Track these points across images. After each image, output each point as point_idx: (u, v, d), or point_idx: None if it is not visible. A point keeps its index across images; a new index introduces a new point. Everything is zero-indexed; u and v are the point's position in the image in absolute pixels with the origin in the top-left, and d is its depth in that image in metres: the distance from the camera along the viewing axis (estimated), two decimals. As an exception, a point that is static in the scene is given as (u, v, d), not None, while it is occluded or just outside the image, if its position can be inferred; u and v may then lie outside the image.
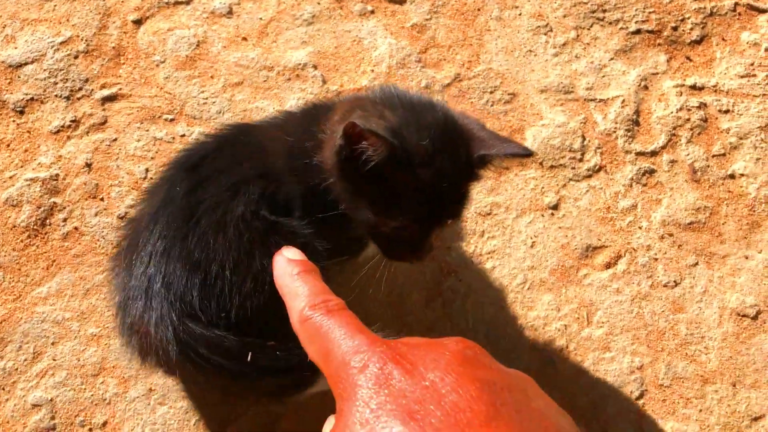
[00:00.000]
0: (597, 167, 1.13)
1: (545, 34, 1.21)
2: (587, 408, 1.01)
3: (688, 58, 1.22)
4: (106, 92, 1.08)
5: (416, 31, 1.18)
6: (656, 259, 1.09)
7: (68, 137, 1.05)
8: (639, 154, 1.15)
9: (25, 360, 0.95)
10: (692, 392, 1.03)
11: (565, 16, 1.22)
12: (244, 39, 1.14)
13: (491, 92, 1.16)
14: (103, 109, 1.08)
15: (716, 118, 1.18)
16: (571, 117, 1.15)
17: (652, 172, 1.14)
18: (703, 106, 1.18)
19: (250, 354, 0.70)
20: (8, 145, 1.04)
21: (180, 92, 1.09)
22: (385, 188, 0.72)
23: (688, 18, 1.24)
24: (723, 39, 1.24)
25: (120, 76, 1.10)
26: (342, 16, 1.17)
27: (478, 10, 1.21)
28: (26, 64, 1.08)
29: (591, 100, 1.17)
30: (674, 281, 1.08)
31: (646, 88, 1.19)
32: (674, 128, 1.17)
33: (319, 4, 1.18)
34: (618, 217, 1.11)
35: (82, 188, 1.03)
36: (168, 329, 0.71)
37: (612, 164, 1.14)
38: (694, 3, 1.25)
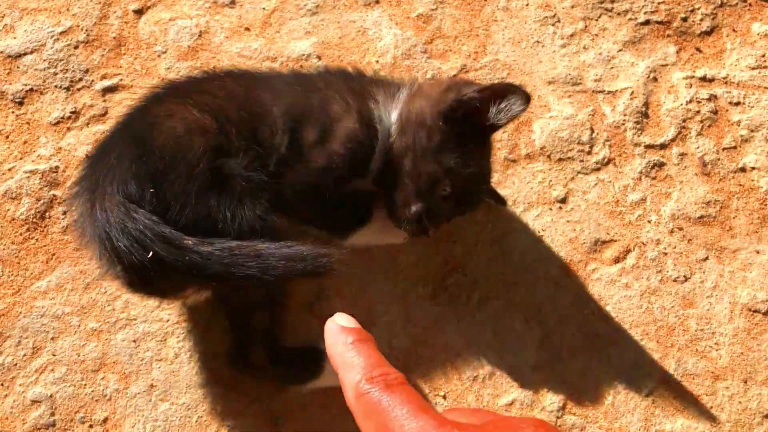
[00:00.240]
0: (606, 160, 1.11)
1: (553, 25, 1.18)
2: (595, 404, 0.99)
3: (698, 49, 1.20)
4: (106, 83, 1.07)
5: (422, 21, 1.16)
6: (666, 254, 1.07)
7: (68, 129, 1.04)
8: (648, 146, 1.13)
9: (25, 355, 0.93)
10: (703, 389, 1.01)
11: (573, 7, 1.20)
12: (247, 29, 1.12)
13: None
14: (104, 100, 1.06)
15: (727, 111, 1.16)
16: (579, 109, 1.13)
17: (661, 165, 1.12)
18: (713, 98, 1.16)
19: (151, 252, 0.72)
20: (7, 137, 1.02)
21: (181, 83, 1.07)
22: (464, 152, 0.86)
23: (698, 9, 1.22)
24: (734, 30, 1.22)
25: (121, 67, 1.08)
26: (346, 6, 1.15)
27: (485, 0, 1.19)
28: (25, 54, 1.06)
29: (599, 91, 1.15)
30: (684, 276, 1.06)
31: (655, 79, 1.17)
32: (684, 121, 1.15)
33: (322, -6, 1.16)
34: (627, 210, 1.09)
35: (82, 181, 1.01)
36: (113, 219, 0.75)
37: (621, 157, 1.12)
38: (705, -7, 1.23)
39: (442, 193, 0.86)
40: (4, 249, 0.97)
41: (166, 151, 0.78)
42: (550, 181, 1.10)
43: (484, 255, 1.05)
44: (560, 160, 1.11)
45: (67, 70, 1.06)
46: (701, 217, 1.10)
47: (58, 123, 1.04)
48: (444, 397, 0.98)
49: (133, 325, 0.96)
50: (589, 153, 1.11)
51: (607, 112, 1.14)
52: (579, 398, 0.99)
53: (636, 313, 1.04)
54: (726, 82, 1.18)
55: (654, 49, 1.19)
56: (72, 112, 1.04)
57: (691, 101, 1.16)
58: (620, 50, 1.18)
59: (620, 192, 1.10)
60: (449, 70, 1.13)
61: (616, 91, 1.16)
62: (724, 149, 1.14)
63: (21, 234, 0.98)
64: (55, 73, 1.06)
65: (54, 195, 1.00)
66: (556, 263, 1.06)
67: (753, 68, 1.19)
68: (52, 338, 0.94)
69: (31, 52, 1.06)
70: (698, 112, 1.15)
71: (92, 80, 1.07)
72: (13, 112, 1.03)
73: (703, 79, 1.18)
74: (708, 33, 1.21)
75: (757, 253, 1.08)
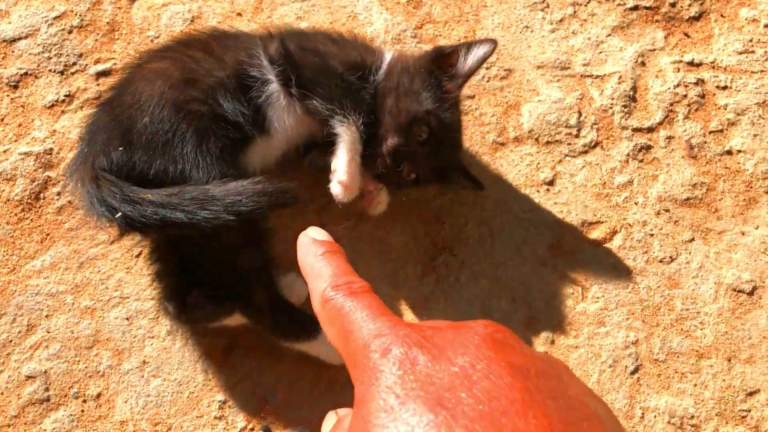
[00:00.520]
0: (593, 143, 1.13)
1: (542, 10, 1.20)
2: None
3: (686, 34, 1.21)
4: (100, 67, 1.08)
5: (412, 6, 1.17)
6: (652, 235, 1.09)
7: (62, 112, 1.05)
8: (636, 130, 1.14)
9: (19, 332, 0.95)
10: (687, 367, 1.03)
11: (562, -8, 1.21)
12: (239, 14, 1.14)
13: (487, 68, 1.15)
14: (98, 84, 1.07)
15: (714, 95, 1.17)
16: (568, 93, 1.15)
17: (648, 148, 1.13)
18: (700, 82, 1.18)
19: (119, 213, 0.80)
20: (2, 120, 1.04)
21: (174, 67, 1.09)
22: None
23: (687, -6, 1.23)
24: (721, 15, 1.23)
25: (114, 51, 1.10)
26: (337, -8, 1.17)
27: (475, -15, 1.20)
28: (20, 38, 1.08)
29: (588, 76, 1.17)
30: (670, 257, 1.08)
31: (643, 64, 1.18)
32: (671, 104, 1.16)
33: (314, -21, 1.17)
34: (614, 192, 1.10)
35: (76, 162, 1.03)
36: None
37: (608, 140, 1.13)
38: (693, -21, 1.24)
39: (419, 137, 0.93)
40: (-1, 229, 0.99)
41: (131, 106, 0.86)
42: (538, 163, 1.11)
43: (473, 236, 1.06)
44: (548, 143, 1.12)
45: (61, 54, 1.08)
46: (687, 199, 1.11)
47: (52, 106, 1.05)
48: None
49: (126, 303, 0.97)
50: (576, 136, 1.13)
51: (595, 96, 1.15)
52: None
53: (622, 293, 1.05)
54: (713, 67, 1.19)
55: (642, 34, 1.20)
56: (66, 96, 1.06)
57: (678, 85, 1.17)
58: (609, 35, 1.20)
59: (607, 174, 1.11)
60: (439, 55, 1.14)
61: (605, 75, 1.17)
62: (710, 132, 1.15)
63: (16, 214, 1.00)
64: (50, 58, 1.08)
65: (48, 176, 1.02)
66: (543, 244, 1.07)
67: (740, 53, 1.20)
68: (47, 316, 0.96)
69: (26, 37, 1.08)
70: (685, 96, 1.17)
71: (86, 64, 1.08)
72: (8, 95, 1.05)
73: (691, 63, 1.19)
74: (696, 18, 1.23)
75: (743, 234, 1.10)
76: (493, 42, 0.96)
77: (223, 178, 0.83)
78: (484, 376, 0.31)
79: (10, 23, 1.08)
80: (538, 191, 1.10)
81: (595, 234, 1.08)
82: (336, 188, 0.91)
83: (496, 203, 1.08)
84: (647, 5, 1.22)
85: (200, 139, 0.85)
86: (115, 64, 1.09)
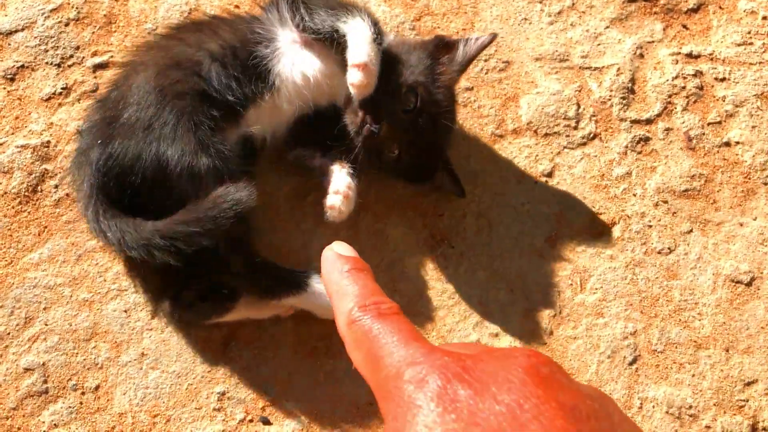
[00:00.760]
0: (591, 135, 1.13)
1: (540, 2, 1.19)
2: (579, 373, 1.01)
3: (684, 26, 1.21)
4: (97, 60, 1.08)
5: (410, -2, 1.17)
6: (650, 226, 1.09)
7: (59, 104, 1.05)
8: (634, 121, 1.14)
9: (17, 325, 0.95)
10: (685, 357, 1.03)
11: (560, -16, 1.20)
12: (237, 6, 1.13)
13: (485, 60, 1.15)
14: (95, 77, 1.07)
15: (712, 86, 1.17)
16: (566, 85, 1.15)
17: (647, 139, 1.13)
18: (699, 74, 1.17)
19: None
20: (-1, 112, 1.03)
21: (171, 60, 1.09)
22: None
23: (685, -14, 1.23)
24: (720, 7, 1.23)
25: (111, 44, 1.09)
26: (335, -16, 1.16)
27: (473, -23, 1.20)
28: (17, 31, 1.07)
29: (586, 68, 1.16)
30: (668, 248, 1.08)
31: (641, 56, 1.18)
32: (670, 96, 1.16)
33: (311, -29, 1.17)
34: (612, 184, 1.10)
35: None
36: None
37: (607, 132, 1.13)
38: (691, -30, 1.24)
39: (407, 103, 0.93)
40: (-4, 221, 0.99)
41: (118, 102, 0.89)
42: (537, 155, 1.11)
43: (471, 227, 1.06)
44: (547, 135, 1.12)
45: (57, 47, 1.08)
46: (686, 190, 1.11)
47: (49, 99, 1.05)
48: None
49: (124, 295, 0.97)
50: (575, 128, 1.13)
51: (593, 87, 1.15)
52: (563, 367, 1.00)
53: (620, 285, 1.05)
54: (712, 59, 1.19)
55: (641, 26, 1.20)
56: (63, 89, 1.06)
57: (677, 77, 1.17)
58: (607, 27, 1.19)
59: (606, 166, 1.11)
60: (437, 47, 1.14)
61: (603, 67, 1.17)
62: (709, 124, 1.15)
63: (13, 207, 1.00)
64: (46, 50, 1.07)
65: (45, 169, 1.01)
66: (541, 236, 1.07)
67: (738, 45, 1.20)
68: (45, 308, 0.96)
69: (22, 29, 1.08)
70: (684, 87, 1.16)
71: (83, 57, 1.08)
72: (4, 88, 1.05)
73: (689, 55, 1.19)
74: (695, 10, 1.22)
75: (741, 225, 1.10)
76: (493, 35, 0.99)
77: (202, 153, 0.85)
78: (533, 418, 0.28)
79: (6, 15, 1.08)
80: (536, 183, 1.10)
81: (594, 225, 1.08)
82: (354, 76, 0.88)
83: (494, 195, 1.08)
84: (645, -3, 1.21)
85: (179, 116, 0.86)
86: (112, 56, 1.08)
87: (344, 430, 0.94)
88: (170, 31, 0.99)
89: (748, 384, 1.02)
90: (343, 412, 0.95)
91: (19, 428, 0.91)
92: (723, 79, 1.18)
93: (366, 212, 1.04)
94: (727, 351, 1.03)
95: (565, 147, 1.12)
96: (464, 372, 0.30)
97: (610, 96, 1.15)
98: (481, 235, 1.06)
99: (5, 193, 1.00)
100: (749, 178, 1.12)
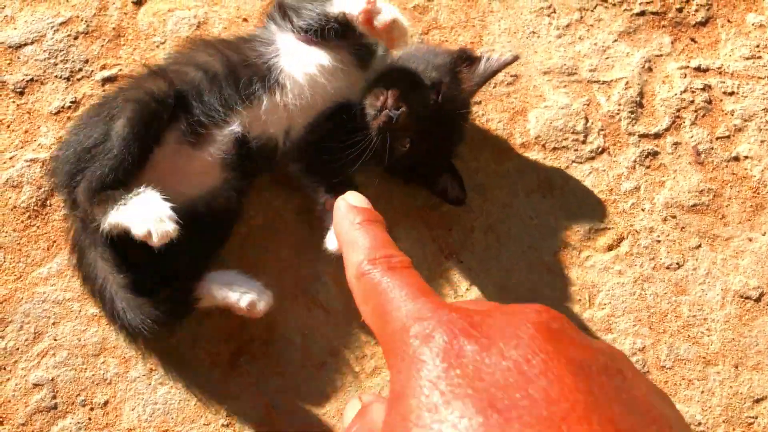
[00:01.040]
0: (600, 149, 1.12)
1: (548, 16, 1.19)
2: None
3: (692, 39, 1.21)
4: (106, 73, 1.08)
5: (418, 12, 1.17)
6: (659, 241, 1.08)
7: (68, 118, 1.05)
8: (642, 136, 1.14)
9: (26, 340, 0.95)
10: (694, 374, 1.03)
11: (568, -3, 1.20)
12: (245, 20, 1.13)
13: (493, 74, 1.15)
14: (103, 90, 1.07)
15: (721, 100, 1.17)
16: (575, 99, 1.15)
17: (655, 154, 1.13)
18: (707, 88, 1.17)
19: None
20: (8, 126, 1.04)
21: (180, 73, 1.09)
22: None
23: (693, -1, 1.22)
24: (728, 20, 1.23)
25: (120, 57, 1.09)
26: (343, -3, 1.16)
27: (481, -10, 1.20)
28: (26, 44, 1.08)
29: (594, 81, 1.16)
30: (677, 263, 1.08)
31: (650, 70, 1.18)
32: (678, 110, 1.16)
33: (320, -16, 1.17)
34: (621, 199, 1.10)
35: (83, 169, 1.02)
36: None
37: (615, 146, 1.13)
38: (699, -16, 1.24)
39: (429, 96, 0.94)
40: (5, 236, 0.99)
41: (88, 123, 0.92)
42: (545, 169, 1.11)
43: (480, 242, 1.06)
44: (555, 149, 1.12)
45: (67, 60, 1.08)
46: (694, 205, 1.11)
47: (58, 112, 1.05)
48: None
49: (133, 310, 0.97)
50: (583, 142, 1.13)
51: (602, 101, 1.15)
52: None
53: (629, 300, 1.05)
54: (720, 72, 1.19)
55: (649, 39, 1.20)
56: (72, 102, 1.06)
57: (685, 91, 1.17)
58: (615, 41, 1.19)
59: (614, 180, 1.11)
60: (445, 60, 1.14)
61: (611, 81, 1.17)
62: (717, 138, 1.15)
63: (22, 221, 1.00)
64: (55, 64, 1.07)
65: (55, 183, 1.01)
66: (550, 250, 1.07)
67: (747, 58, 1.20)
68: (53, 323, 0.96)
69: (32, 43, 1.08)
70: (692, 101, 1.16)
71: (92, 70, 1.08)
72: (13, 101, 1.05)
73: (698, 69, 1.19)
74: (703, 24, 1.22)
75: (750, 240, 1.10)
76: (516, 56, 1.03)
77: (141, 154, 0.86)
78: (540, 374, 0.27)
79: (15, 29, 1.08)
80: (544, 197, 1.09)
81: (602, 241, 1.08)
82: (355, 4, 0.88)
83: (502, 209, 1.08)
84: (654, 10, 1.21)
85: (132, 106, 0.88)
86: (120, 69, 1.08)
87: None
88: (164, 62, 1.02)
89: (758, 401, 1.01)
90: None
91: (27, 444, 0.91)
92: (731, 93, 1.18)
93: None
94: (736, 367, 1.03)
95: (573, 161, 1.12)
96: (471, 327, 0.30)
97: (619, 110, 1.15)
98: (490, 249, 1.06)
99: (14, 207, 1.00)
100: (758, 193, 1.12)
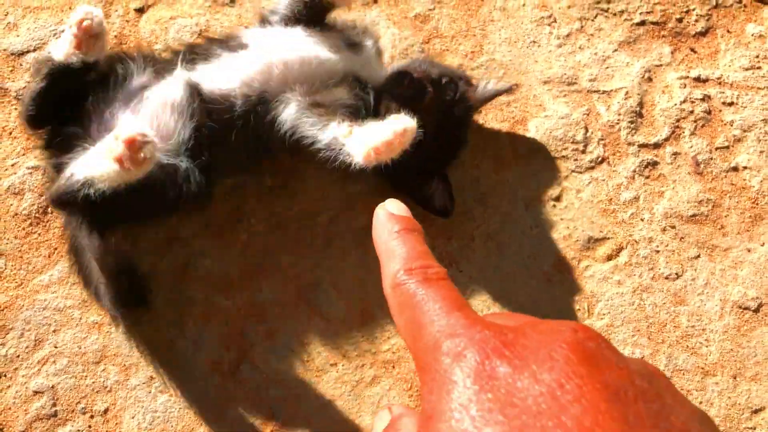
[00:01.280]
0: (599, 159, 1.13)
1: (549, 25, 1.20)
2: (587, 399, 1.01)
3: (692, 50, 1.22)
4: (108, 80, 1.08)
5: (419, 21, 1.17)
6: (658, 251, 1.09)
7: (70, 125, 1.05)
8: (642, 146, 1.14)
9: (27, 347, 0.95)
10: (693, 384, 1.03)
11: (569, 7, 1.21)
12: (247, 27, 1.14)
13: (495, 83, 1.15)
14: (105, 98, 1.07)
15: (720, 111, 1.18)
16: (574, 108, 1.15)
17: (654, 164, 1.13)
18: (707, 98, 1.18)
19: None
20: (10, 133, 1.04)
21: (182, 81, 1.09)
22: None
23: (693, 9, 1.23)
24: (728, 31, 1.23)
25: (122, 65, 1.10)
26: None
27: (482, 0, 1.20)
28: (28, 52, 1.08)
29: (594, 91, 1.17)
30: (676, 273, 1.08)
31: (649, 79, 1.18)
32: (678, 120, 1.16)
33: (321, -7, 1.17)
34: (620, 208, 1.11)
35: (84, 176, 1.03)
36: None
37: (615, 156, 1.13)
38: (699, -6, 1.24)
39: (447, 92, 0.98)
40: (7, 243, 0.99)
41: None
42: (545, 179, 1.11)
43: (479, 251, 1.07)
44: (555, 158, 1.12)
45: (69, 67, 1.08)
46: (693, 215, 1.11)
47: (60, 119, 1.05)
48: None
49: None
50: (583, 152, 1.13)
51: (601, 111, 1.16)
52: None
53: (628, 310, 1.06)
54: (720, 83, 1.20)
55: (649, 49, 1.21)
56: (74, 109, 1.06)
57: (685, 101, 1.17)
58: (615, 50, 1.20)
59: (614, 190, 1.12)
60: (446, 70, 1.15)
61: (611, 90, 1.17)
62: (716, 149, 1.15)
63: (24, 229, 1.00)
64: (58, 71, 1.08)
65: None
66: (549, 260, 1.07)
67: (746, 69, 1.20)
68: (54, 331, 0.96)
69: (34, 50, 1.08)
70: (692, 112, 1.17)
71: (94, 77, 1.08)
72: (16, 108, 1.05)
73: (697, 79, 1.19)
74: (703, 34, 1.23)
75: (748, 251, 1.10)
76: (513, 85, 1.10)
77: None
78: (575, 400, 0.26)
79: (18, 36, 1.09)
80: (544, 207, 1.10)
81: (602, 250, 1.09)
82: None
83: (502, 219, 1.09)
84: (654, 20, 1.22)
85: None
86: (122, 77, 1.09)
87: (352, 455, 0.95)
88: None
89: (756, 411, 1.02)
90: (351, 437, 0.96)
91: (27, 451, 0.91)
92: (731, 104, 1.18)
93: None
94: (735, 378, 1.03)
95: (573, 171, 1.12)
96: (504, 347, 0.29)
97: (619, 120, 1.15)
98: (490, 258, 1.07)
99: (16, 214, 1.00)
100: (757, 204, 1.13)
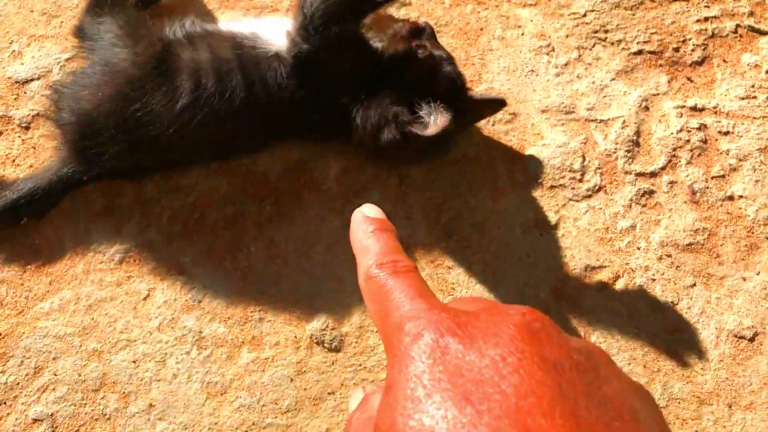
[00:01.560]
0: (597, 187, 1.14)
1: (547, 54, 1.21)
2: (584, 429, 1.01)
3: (689, 79, 1.23)
4: (110, 108, 1.09)
5: (419, 49, 1.19)
6: (654, 280, 1.10)
7: (73, 152, 1.06)
8: (639, 174, 1.15)
9: (27, 375, 0.96)
10: (688, 413, 1.04)
11: (567, 36, 1.22)
12: (248, 56, 1.15)
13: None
14: (108, 125, 1.08)
15: (716, 140, 1.19)
16: (572, 137, 1.16)
17: (651, 193, 1.14)
18: (703, 127, 1.19)
19: None
20: (13, 161, 1.05)
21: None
22: None
23: (690, 39, 1.24)
24: (724, 60, 1.25)
25: (125, 92, 1.11)
26: (345, 34, 1.18)
27: (481, 29, 1.22)
28: (32, 80, 1.09)
29: (592, 120, 1.18)
30: (672, 302, 1.09)
31: (646, 108, 1.20)
32: (674, 149, 1.17)
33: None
34: (617, 237, 1.12)
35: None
36: None
37: (612, 185, 1.14)
38: (696, 24, 1.26)
39: (420, 52, 1.03)
40: (8, 271, 1.00)
41: None
42: (542, 207, 1.12)
43: (476, 278, 1.08)
44: (552, 187, 1.13)
45: (72, 94, 1.09)
46: (689, 244, 1.12)
47: (63, 147, 1.07)
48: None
49: (133, 345, 0.98)
50: (580, 180, 1.14)
51: (599, 140, 1.17)
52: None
53: (624, 338, 1.06)
54: (716, 112, 1.21)
55: (646, 78, 1.22)
56: (77, 136, 1.07)
57: (681, 130, 1.18)
58: (613, 79, 1.21)
59: (610, 219, 1.13)
60: (445, 98, 1.16)
61: (609, 119, 1.18)
62: (712, 178, 1.16)
63: (24, 256, 1.01)
64: (61, 98, 1.09)
65: (58, 217, 1.03)
66: (546, 287, 1.08)
67: (742, 98, 1.22)
68: (54, 358, 0.97)
69: (38, 78, 1.09)
70: (688, 141, 1.18)
71: (97, 105, 1.10)
72: (19, 136, 1.06)
73: (694, 108, 1.21)
74: (699, 63, 1.24)
75: (744, 280, 1.11)
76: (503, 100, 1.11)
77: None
78: (514, 371, 0.29)
79: (22, 64, 1.10)
80: (541, 235, 1.11)
81: (598, 278, 1.09)
82: None
83: (499, 246, 1.09)
84: (651, 50, 1.23)
85: None
86: (125, 104, 1.10)
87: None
88: None
89: (751, 442, 1.02)
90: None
91: (26, 479, 0.92)
92: (727, 133, 1.19)
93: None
94: (730, 407, 1.04)
95: (570, 199, 1.13)
96: (458, 327, 0.32)
97: (616, 149, 1.16)
98: (487, 284, 1.07)
99: (17, 242, 1.01)
100: (752, 233, 1.14)
